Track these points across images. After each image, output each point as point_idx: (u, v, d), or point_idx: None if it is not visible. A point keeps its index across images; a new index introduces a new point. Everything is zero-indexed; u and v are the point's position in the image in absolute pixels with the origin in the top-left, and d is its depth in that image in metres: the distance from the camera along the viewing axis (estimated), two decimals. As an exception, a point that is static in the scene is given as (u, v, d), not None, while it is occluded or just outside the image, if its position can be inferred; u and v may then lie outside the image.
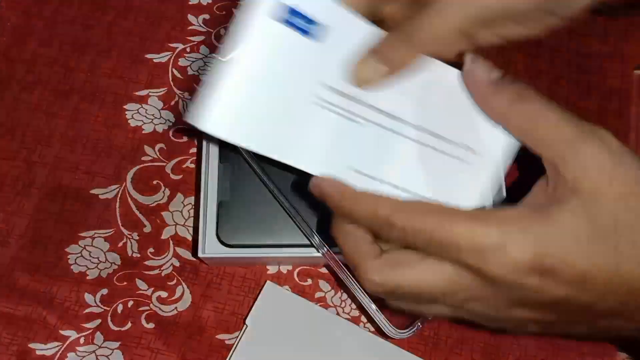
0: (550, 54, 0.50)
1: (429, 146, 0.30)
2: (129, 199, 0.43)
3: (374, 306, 0.36)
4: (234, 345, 0.40)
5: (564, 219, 0.24)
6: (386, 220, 0.26)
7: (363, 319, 0.42)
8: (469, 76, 0.29)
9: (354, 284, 0.36)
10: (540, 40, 0.50)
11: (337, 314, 0.42)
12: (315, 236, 0.38)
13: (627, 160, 0.25)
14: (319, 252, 0.38)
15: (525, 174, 0.31)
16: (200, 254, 0.38)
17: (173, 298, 0.41)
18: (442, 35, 0.29)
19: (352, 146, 0.29)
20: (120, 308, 0.41)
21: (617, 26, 0.52)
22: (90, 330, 0.40)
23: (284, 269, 0.43)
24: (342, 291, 0.42)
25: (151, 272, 0.42)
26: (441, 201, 0.27)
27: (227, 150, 0.41)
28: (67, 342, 0.40)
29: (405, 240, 0.27)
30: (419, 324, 0.37)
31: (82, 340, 0.40)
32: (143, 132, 0.45)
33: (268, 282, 0.41)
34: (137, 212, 0.43)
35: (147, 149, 0.45)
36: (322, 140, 0.29)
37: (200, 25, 0.48)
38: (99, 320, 0.40)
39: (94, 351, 0.40)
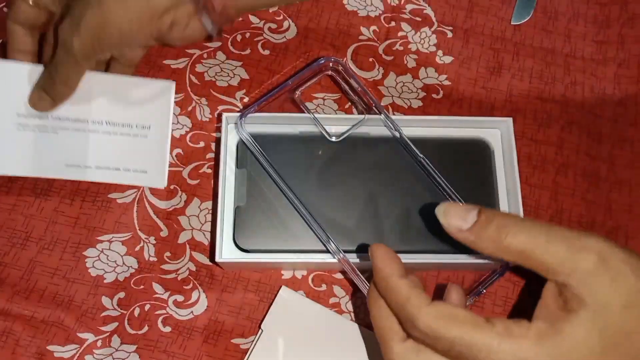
0: (566, 60, 0.50)
1: (112, 133, 0.41)
2: (147, 203, 0.44)
3: None
4: (250, 350, 0.40)
5: (575, 333, 0.25)
6: (410, 317, 0.28)
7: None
8: (449, 228, 0.30)
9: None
10: (554, 47, 0.50)
11: (352, 319, 0.42)
12: (331, 242, 0.38)
13: (625, 271, 0.26)
14: (334, 258, 0.38)
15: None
16: (217, 259, 0.38)
17: (189, 302, 0.42)
18: (73, 75, 0.38)
19: (57, 149, 0.40)
20: (137, 311, 0.41)
21: (631, 33, 0.51)
22: (108, 334, 0.41)
23: (299, 274, 0.43)
24: (356, 297, 0.42)
25: (168, 276, 0.42)
26: (131, 168, 0.41)
27: (244, 155, 0.41)
28: (85, 344, 0.40)
29: (424, 341, 0.29)
30: None
31: (99, 343, 0.40)
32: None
33: (283, 287, 0.42)
34: (154, 217, 0.44)
35: (164, 153, 0.45)
36: (32, 151, 0.40)
37: (217, 31, 0.48)
38: (116, 324, 0.41)
39: (111, 354, 0.40)
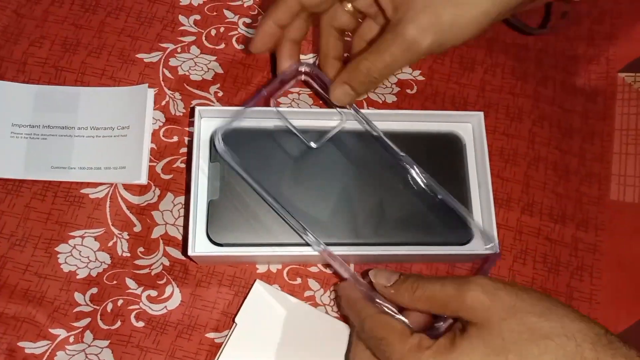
0: (537, 56, 0.51)
1: (95, 136, 0.44)
2: (120, 199, 0.43)
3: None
4: (223, 344, 0.40)
5: (465, 345, 0.32)
6: (361, 325, 0.36)
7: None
8: (377, 286, 0.37)
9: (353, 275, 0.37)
10: (527, 43, 0.51)
11: (326, 312, 0.42)
12: (308, 233, 0.38)
13: (501, 294, 0.32)
14: (314, 249, 0.38)
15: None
16: (190, 253, 0.38)
17: (163, 297, 0.42)
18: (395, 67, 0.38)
19: (45, 154, 0.43)
20: (110, 307, 0.41)
21: (601, 29, 0.52)
22: (80, 329, 0.40)
23: (274, 268, 0.43)
24: (330, 290, 0.43)
25: (141, 272, 0.42)
26: (112, 166, 0.43)
27: (217, 150, 0.41)
28: (57, 340, 0.40)
29: (365, 342, 0.36)
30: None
31: (71, 339, 0.40)
32: (133, 131, 0.45)
33: (257, 280, 0.42)
34: (127, 212, 0.43)
35: (138, 148, 0.45)
36: (23, 156, 0.43)
37: (191, 26, 0.48)
38: (89, 319, 0.41)
39: (83, 350, 0.40)
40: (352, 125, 0.42)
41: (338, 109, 0.42)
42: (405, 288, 0.35)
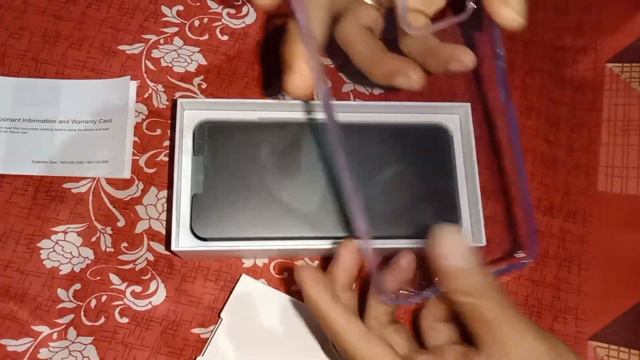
0: (525, 47, 0.51)
1: (77, 129, 0.44)
2: (102, 193, 0.43)
3: None
4: (209, 339, 0.40)
5: None
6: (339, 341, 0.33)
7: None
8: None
9: None
10: (514, 33, 0.51)
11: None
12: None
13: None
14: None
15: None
16: (173, 248, 0.38)
17: (147, 292, 0.41)
18: None
19: (25, 148, 0.43)
20: (93, 303, 0.40)
21: (589, 20, 0.52)
22: (63, 326, 0.40)
23: (260, 262, 0.43)
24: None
25: (125, 267, 0.41)
26: (94, 160, 0.43)
27: (201, 142, 0.41)
28: (40, 337, 0.39)
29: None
30: None
31: (54, 336, 0.39)
32: (116, 125, 0.44)
33: (243, 275, 0.41)
34: (110, 206, 0.43)
35: (121, 142, 0.44)
36: (3, 150, 0.43)
37: (174, 17, 0.47)
38: (72, 316, 0.40)
39: (67, 347, 0.39)
40: (342, 117, 0.42)
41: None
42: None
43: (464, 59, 0.35)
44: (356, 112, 0.43)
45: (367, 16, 0.38)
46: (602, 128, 0.49)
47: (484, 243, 0.40)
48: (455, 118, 0.44)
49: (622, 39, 0.51)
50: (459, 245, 0.31)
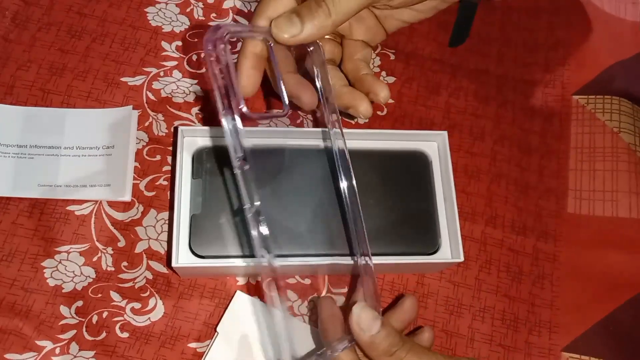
0: (498, 81, 0.55)
1: (81, 155, 0.46)
2: (104, 215, 0.45)
3: None
4: (206, 352, 0.42)
5: None
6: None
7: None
8: (355, 325, 0.37)
9: None
10: (488, 69, 0.55)
11: (304, 322, 0.44)
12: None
13: None
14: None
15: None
16: (173, 264, 0.40)
17: (146, 309, 0.43)
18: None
19: (32, 172, 0.45)
20: (95, 319, 0.42)
21: (556, 56, 0.57)
22: (66, 341, 0.42)
23: (253, 280, 0.45)
24: (307, 300, 0.45)
25: (125, 285, 0.44)
26: (97, 184, 0.45)
27: (200, 166, 0.44)
28: (43, 352, 0.41)
29: None
30: None
31: (57, 351, 0.41)
32: (118, 151, 0.47)
33: (238, 291, 0.44)
34: (111, 228, 0.45)
35: (122, 167, 0.47)
36: (11, 175, 0.45)
37: (173, 51, 0.51)
38: (75, 331, 0.42)
39: (69, 360, 0.41)
40: (327, 143, 0.45)
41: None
42: (382, 348, 0.36)
43: (380, 94, 0.42)
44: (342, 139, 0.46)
45: (329, 51, 0.45)
46: (570, 155, 0.53)
47: (462, 259, 0.43)
48: (434, 145, 0.47)
49: (587, 73, 0.56)
50: (370, 319, 0.37)
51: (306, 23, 0.36)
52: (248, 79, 0.39)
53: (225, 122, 0.34)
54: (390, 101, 0.52)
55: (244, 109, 0.34)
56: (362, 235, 0.40)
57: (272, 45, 0.38)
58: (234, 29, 0.37)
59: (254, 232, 0.35)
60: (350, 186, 0.40)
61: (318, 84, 0.40)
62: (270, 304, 0.39)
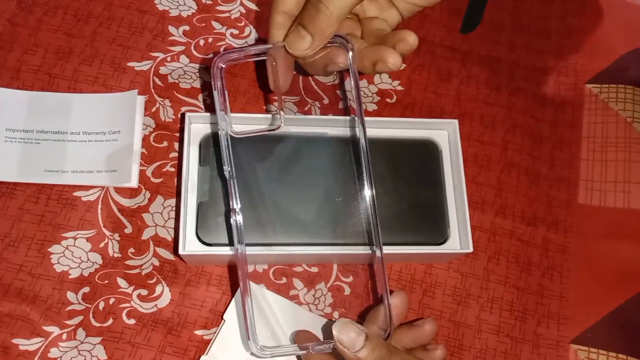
0: (510, 68, 0.54)
1: (87, 140, 0.46)
2: (111, 201, 0.45)
3: None
4: (212, 339, 0.42)
5: None
6: None
7: (335, 315, 0.44)
8: (338, 345, 0.36)
9: None
10: (499, 56, 0.54)
11: (310, 310, 0.44)
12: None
13: None
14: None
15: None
16: (180, 252, 0.40)
17: (153, 296, 0.43)
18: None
19: (39, 158, 0.45)
20: (101, 305, 0.42)
21: (570, 44, 0.56)
22: (73, 327, 0.42)
23: (260, 268, 0.45)
24: (314, 289, 0.45)
25: (132, 271, 0.44)
26: (103, 169, 0.45)
27: (207, 153, 0.43)
28: (50, 337, 0.41)
29: None
30: None
31: (64, 336, 0.41)
32: (125, 137, 0.47)
33: (245, 279, 0.43)
34: (118, 214, 0.45)
35: (129, 153, 0.46)
36: (17, 160, 0.45)
37: (181, 36, 0.50)
38: (81, 317, 0.42)
39: (76, 346, 0.41)
40: (337, 131, 0.45)
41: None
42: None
43: (389, 60, 0.39)
44: (352, 126, 0.45)
45: (348, 27, 0.43)
46: (582, 145, 0.52)
47: (471, 249, 0.42)
48: (444, 134, 0.47)
49: (600, 61, 0.55)
50: (352, 336, 0.36)
51: (312, 31, 0.37)
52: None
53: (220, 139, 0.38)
54: (400, 88, 0.52)
55: (232, 131, 0.39)
56: (376, 228, 0.39)
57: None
58: (238, 55, 0.39)
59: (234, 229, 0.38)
60: (369, 182, 0.40)
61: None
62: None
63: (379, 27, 0.42)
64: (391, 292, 0.41)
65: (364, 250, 0.42)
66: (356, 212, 0.42)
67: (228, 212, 0.42)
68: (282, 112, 0.41)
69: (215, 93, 0.38)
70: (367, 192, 0.40)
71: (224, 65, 0.38)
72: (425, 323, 0.41)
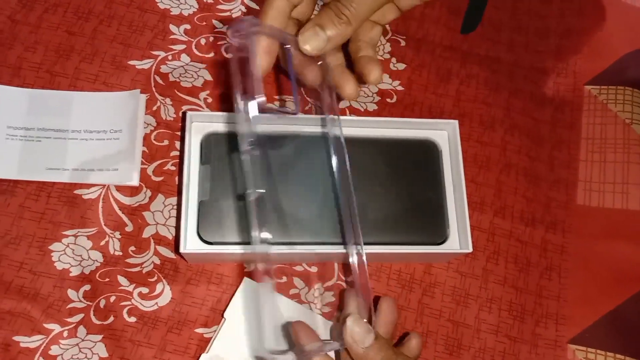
0: (509, 69, 0.54)
1: (89, 139, 0.46)
2: (112, 199, 0.45)
3: None
4: (213, 337, 0.42)
5: None
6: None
7: (335, 313, 0.44)
8: (349, 337, 0.37)
9: None
10: (499, 56, 0.54)
11: (310, 309, 0.44)
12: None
13: None
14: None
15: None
16: (181, 250, 0.40)
17: (154, 294, 0.43)
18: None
19: (40, 155, 0.45)
20: (102, 303, 0.43)
21: (569, 44, 0.56)
22: (74, 324, 0.42)
23: (260, 266, 0.45)
24: (314, 288, 0.45)
25: (133, 270, 0.44)
26: (104, 168, 0.45)
27: (208, 152, 0.43)
28: (51, 335, 0.41)
29: None
30: None
31: (65, 334, 0.41)
32: (126, 135, 0.47)
33: (245, 278, 0.44)
34: (119, 212, 0.45)
35: (130, 151, 0.46)
36: (17, 157, 0.45)
37: (182, 35, 0.50)
38: (82, 315, 0.42)
39: (77, 344, 0.41)
40: (336, 131, 0.45)
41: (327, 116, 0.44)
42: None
43: (370, 75, 0.41)
44: (352, 126, 0.45)
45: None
46: (581, 145, 0.52)
47: (470, 250, 0.42)
48: (444, 134, 0.47)
49: (600, 62, 0.55)
50: (363, 332, 0.37)
51: (330, 35, 0.38)
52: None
53: (241, 106, 0.35)
54: (400, 88, 0.52)
55: (262, 99, 0.35)
56: (356, 225, 0.40)
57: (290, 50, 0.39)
58: (257, 28, 0.38)
59: (252, 218, 0.36)
60: (345, 176, 0.40)
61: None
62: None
63: (359, 46, 0.43)
64: (378, 297, 0.42)
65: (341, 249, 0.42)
66: (344, 210, 0.42)
67: (229, 211, 0.42)
68: (299, 98, 0.40)
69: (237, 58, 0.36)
70: (346, 189, 0.40)
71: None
72: (412, 338, 0.41)
